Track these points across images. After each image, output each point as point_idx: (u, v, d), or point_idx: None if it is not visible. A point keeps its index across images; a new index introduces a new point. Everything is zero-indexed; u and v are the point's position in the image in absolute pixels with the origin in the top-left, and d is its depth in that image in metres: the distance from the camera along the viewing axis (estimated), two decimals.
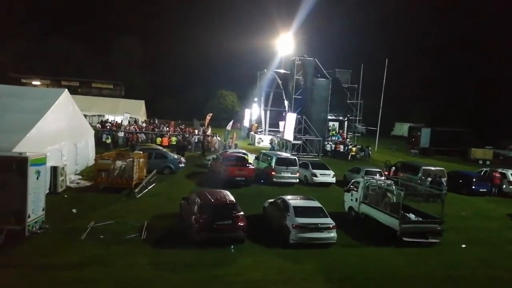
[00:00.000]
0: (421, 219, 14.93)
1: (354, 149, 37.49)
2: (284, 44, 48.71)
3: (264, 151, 28.38)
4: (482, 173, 26.52)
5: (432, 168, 24.63)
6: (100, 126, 38.88)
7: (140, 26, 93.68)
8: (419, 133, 46.39)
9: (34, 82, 69.77)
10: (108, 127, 38.81)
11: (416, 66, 79.42)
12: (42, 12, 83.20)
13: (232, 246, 12.75)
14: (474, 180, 24.97)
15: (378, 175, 23.04)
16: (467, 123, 56.76)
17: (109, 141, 33.09)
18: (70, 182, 19.34)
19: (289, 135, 36.28)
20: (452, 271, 12.56)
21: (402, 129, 68.84)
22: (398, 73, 64.58)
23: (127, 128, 38.63)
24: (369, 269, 12.21)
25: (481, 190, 24.69)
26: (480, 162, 41.11)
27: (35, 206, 12.33)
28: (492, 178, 25.27)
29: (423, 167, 24.56)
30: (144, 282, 10.25)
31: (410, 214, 15.16)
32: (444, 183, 23.07)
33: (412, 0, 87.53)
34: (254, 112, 51.94)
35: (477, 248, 14.95)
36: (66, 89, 21.13)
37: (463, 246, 14.96)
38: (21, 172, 11.81)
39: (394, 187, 16.19)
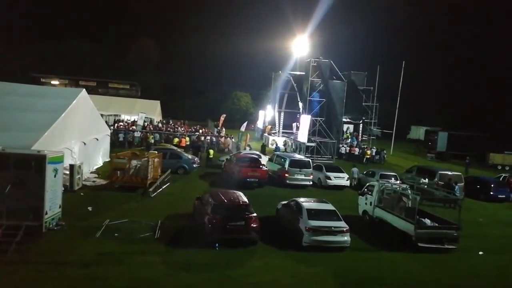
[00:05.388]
0: (436, 224, 14.67)
1: (368, 152, 37.12)
2: (299, 46, 48.44)
3: (277, 152, 28.28)
4: (501, 179, 25.89)
5: (449, 173, 24.18)
6: (117, 126, 39.32)
7: (156, 28, 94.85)
8: (436, 137, 45.65)
9: (53, 82, 71.18)
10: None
11: (433, 69, 78.29)
12: (61, 14, 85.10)
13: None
14: (492, 186, 24.40)
15: (393, 179, 22.75)
16: (485, 127, 55.49)
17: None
18: (85, 180, 19.66)
19: (303, 137, 36.11)
20: (470, 279, 12.29)
21: (418, 132, 67.79)
22: (415, 76, 63.65)
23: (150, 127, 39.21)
24: (383, 274, 12.04)
25: (500, 196, 24.15)
26: (499, 167, 40.18)
27: (52, 203, 12.58)
28: (511, 184, 24.65)
29: (440, 172, 24.12)
30: (157, 281, 10.32)
31: (426, 219, 14.89)
32: (461, 188, 22.59)
33: (430, 3, 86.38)
34: (268, 113, 51.83)
35: (495, 255, 14.60)
36: (84, 89, 21.51)
37: (480, 253, 14.63)
38: (39, 170, 12.06)
39: (409, 191, 15.94)
